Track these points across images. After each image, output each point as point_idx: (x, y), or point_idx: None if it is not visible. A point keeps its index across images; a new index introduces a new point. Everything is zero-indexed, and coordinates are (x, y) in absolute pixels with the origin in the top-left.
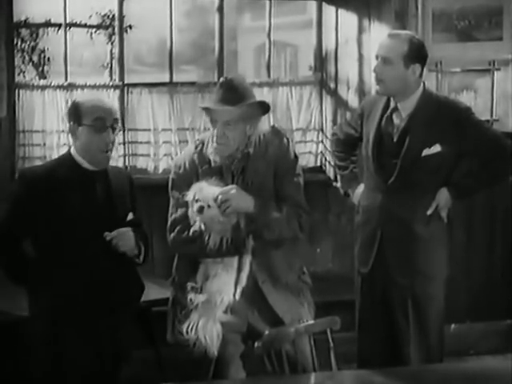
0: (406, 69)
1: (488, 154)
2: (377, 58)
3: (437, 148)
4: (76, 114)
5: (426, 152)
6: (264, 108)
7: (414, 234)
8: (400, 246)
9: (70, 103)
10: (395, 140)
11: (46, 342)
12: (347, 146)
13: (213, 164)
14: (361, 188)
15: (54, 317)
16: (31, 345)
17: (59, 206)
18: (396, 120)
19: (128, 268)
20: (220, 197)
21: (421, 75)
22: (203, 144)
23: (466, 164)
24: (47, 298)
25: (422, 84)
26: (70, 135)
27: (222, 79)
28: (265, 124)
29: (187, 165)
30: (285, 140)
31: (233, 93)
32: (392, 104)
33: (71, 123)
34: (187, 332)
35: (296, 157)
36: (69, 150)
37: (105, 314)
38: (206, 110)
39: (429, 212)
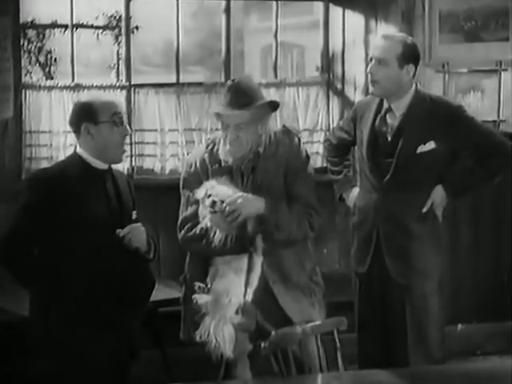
0: (400, 69)
1: (482, 150)
2: (371, 59)
3: (431, 145)
4: (90, 112)
5: (420, 149)
6: (273, 105)
7: (410, 233)
8: (396, 245)
9: (76, 106)
10: (389, 139)
11: (57, 342)
12: (340, 150)
13: (223, 164)
14: (355, 191)
15: (67, 316)
16: (38, 344)
17: (74, 208)
18: (390, 120)
19: (140, 264)
20: (228, 208)
21: (414, 75)
22: (214, 143)
23: (461, 162)
24: (59, 299)
25: (414, 84)
26: (79, 137)
27: (229, 82)
28: (274, 123)
29: (198, 164)
30: (296, 140)
31: (241, 96)
32: (385, 105)
33: (84, 124)
34: (201, 337)
35: (308, 156)
36: (75, 151)
37: (118, 311)
38: (216, 114)
39: (424, 210)
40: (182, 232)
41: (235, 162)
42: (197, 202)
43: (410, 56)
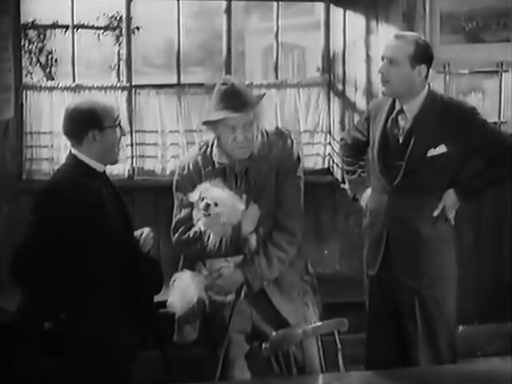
0: (412, 70)
1: (493, 153)
2: (383, 59)
3: (442, 148)
4: (95, 119)
5: (431, 152)
6: (261, 97)
7: (420, 236)
8: (406, 248)
9: (74, 113)
10: (401, 141)
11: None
12: (355, 150)
13: (216, 165)
14: (369, 192)
15: (85, 314)
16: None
17: (91, 214)
18: (401, 122)
19: (149, 261)
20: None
21: (426, 76)
22: (207, 146)
23: (473, 165)
24: (75, 299)
25: (427, 85)
26: (82, 143)
27: (223, 87)
28: (274, 123)
29: (191, 166)
30: (289, 141)
31: (241, 96)
32: (397, 106)
33: (91, 132)
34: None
35: (299, 159)
36: (74, 157)
37: (132, 307)
38: (218, 120)
39: (435, 213)
40: (176, 235)
41: (236, 163)
42: (190, 204)
43: (423, 56)
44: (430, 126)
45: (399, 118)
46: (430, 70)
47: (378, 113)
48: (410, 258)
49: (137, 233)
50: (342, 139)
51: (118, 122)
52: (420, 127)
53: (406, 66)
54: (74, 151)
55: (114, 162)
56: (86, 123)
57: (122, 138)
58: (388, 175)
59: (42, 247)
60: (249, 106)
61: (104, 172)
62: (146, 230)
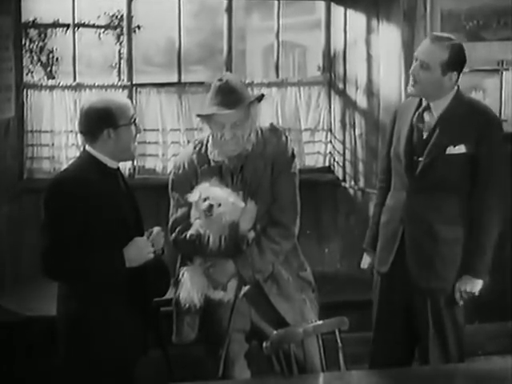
0: (443, 76)
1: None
2: (416, 59)
3: (462, 149)
4: (110, 117)
5: (450, 150)
6: (259, 97)
7: (435, 235)
8: (420, 247)
9: (90, 111)
10: (424, 137)
11: (83, 338)
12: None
13: (212, 163)
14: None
15: (98, 311)
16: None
17: (103, 210)
18: (427, 118)
19: (157, 262)
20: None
21: (456, 81)
22: (202, 144)
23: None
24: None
25: (456, 87)
26: (97, 141)
27: (217, 82)
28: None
29: (186, 165)
30: (283, 138)
31: (234, 94)
32: (424, 103)
33: (106, 130)
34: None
35: (293, 155)
36: (87, 152)
37: (138, 307)
38: (206, 116)
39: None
40: (174, 234)
41: (231, 160)
42: (187, 203)
43: (455, 63)
44: (453, 124)
45: (425, 113)
46: (461, 74)
47: (406, 109)
48: (424, 258)
49: (147, 232)
50: (380, 188)
51: (132, 120)
52: (444, 124)
53: (437, 72)
54: (88, 148)
55: (130, 159)
56: (101, 122)
57: (138, 135)
58: (410, 171)
59: (62, 243)
60: (239, 104)
61: (118, 168)
62: (156, 229)
